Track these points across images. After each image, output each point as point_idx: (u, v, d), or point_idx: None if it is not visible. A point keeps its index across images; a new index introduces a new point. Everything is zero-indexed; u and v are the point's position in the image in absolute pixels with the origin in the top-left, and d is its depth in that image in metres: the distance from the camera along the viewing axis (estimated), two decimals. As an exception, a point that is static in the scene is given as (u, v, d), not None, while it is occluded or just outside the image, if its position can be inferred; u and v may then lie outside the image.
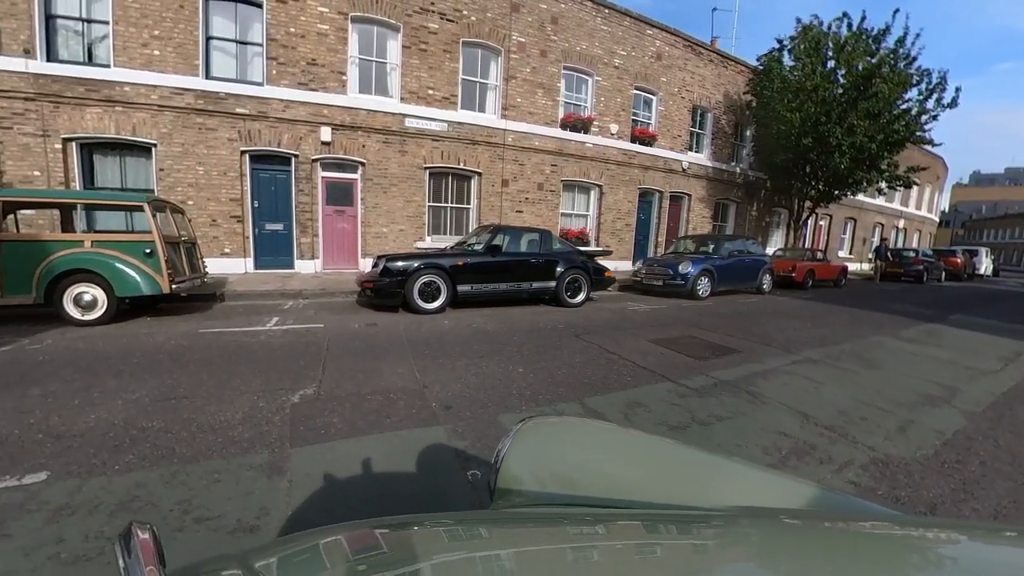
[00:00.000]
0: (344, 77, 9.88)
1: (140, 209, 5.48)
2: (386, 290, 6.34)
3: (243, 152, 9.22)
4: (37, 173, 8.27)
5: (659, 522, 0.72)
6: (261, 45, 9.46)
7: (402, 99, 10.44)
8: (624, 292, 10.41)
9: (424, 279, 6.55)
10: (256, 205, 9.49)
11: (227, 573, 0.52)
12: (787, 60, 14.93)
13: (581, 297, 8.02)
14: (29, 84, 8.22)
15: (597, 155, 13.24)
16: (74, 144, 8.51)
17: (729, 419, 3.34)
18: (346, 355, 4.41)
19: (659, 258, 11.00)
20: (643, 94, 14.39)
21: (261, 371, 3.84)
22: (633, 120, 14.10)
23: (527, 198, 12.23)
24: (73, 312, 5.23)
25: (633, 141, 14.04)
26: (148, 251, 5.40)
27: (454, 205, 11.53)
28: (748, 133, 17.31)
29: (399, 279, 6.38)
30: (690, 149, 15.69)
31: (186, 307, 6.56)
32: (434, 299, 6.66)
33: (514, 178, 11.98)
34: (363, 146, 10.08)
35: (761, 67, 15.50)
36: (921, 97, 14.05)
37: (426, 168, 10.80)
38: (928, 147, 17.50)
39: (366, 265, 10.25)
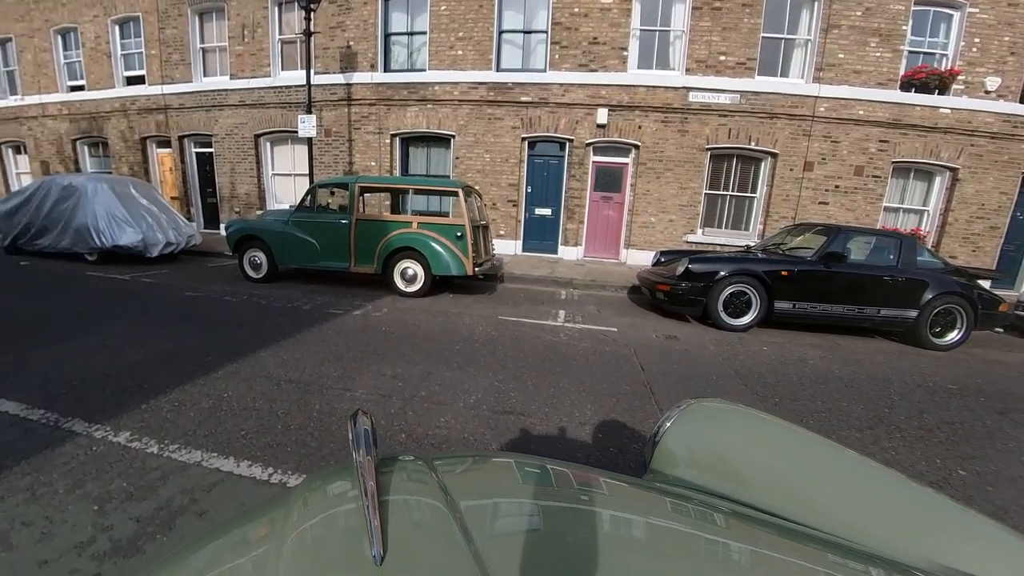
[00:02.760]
0: (624, 53, 9.09)
1: (455, 195, 5.77)
2: (684, 296, 5.31)
3: (523, 139, 9.44)
4: (372, 163, 10.11)
5: (854, 560, 0.63)
6: (545, 32, 9.41)
7: (687, 70, 9.08)
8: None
9: (733, 288, 5.26)
10: (529, 190, 9.68)
11: (412, 462, 0.67)
12: None
13: (954, 337, 5.45)
14: (372, 92, 10.00)
15: (957, 124, 9.28)
16: (397, 139, 10.08)
17: None
18: (670, 383, 3.54)
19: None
20: (1054, 26, 9.41)
21: (586, 390, 3.28)
22: (1030, 69, 9.39)
23: (837, 186, 9.42)
24: (399, 284, 5.88)
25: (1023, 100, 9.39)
26: (459, 234, 5.66)
27: (735, 194, 9.67)
28: None
29: (702, 285, 5.25)
30: None
31: (475, 286, 6.86)
32: (742, 314, 5.31)
33: (822, 159, 9.34)
34: (639, 127, 9.18)
35: None
36: None
37: (708, 149, 9.26)
38: None
39: (630, 257, 9.50)
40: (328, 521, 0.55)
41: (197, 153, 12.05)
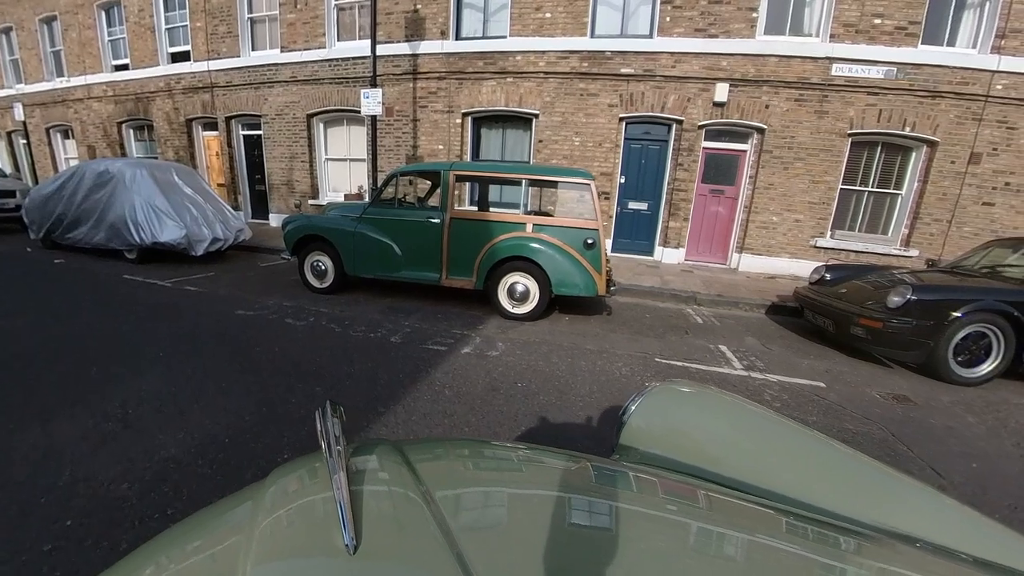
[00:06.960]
0: (753, 14, 7.40)
1: (585, 188, 4.35)
2: (903, 338, 3.78)
3: (621, 119, 7.92)
4: (441, 147, 8.81)
5: (807, 524, 0.66)
6: (651, -12, 7.79)
7: (831, 36, 7.33)
8: None
9: (971, 329, 3.73)
10: (623, 180, 8.18)
11: (384, 450, 0.66)
12: None
13: None
14: (442, 64, 8.65)
15: None
16: (469, 119, 8.73)
17: None
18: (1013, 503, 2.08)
19: None
20: None
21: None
22: None
23: (1008, 183, 7.51)
24: (505, 303, 4.55)
25: None
26: (590, 241, 4.26)
27: (875, 190, 7.90)
28: None
29: (931, 324, 3.72)
30: None
31: (588, 302, 5.41)
32: (978, 362, 3.79)
33: (993, 150, 7.45)
34: (766, 106, 7.52)
35: None
36: None
37: (850, 135, 7.52)
38: None
39: (742, 263, 7.92)
40: (299, 511, 0.54)
41: (245, 136, 11.05)
